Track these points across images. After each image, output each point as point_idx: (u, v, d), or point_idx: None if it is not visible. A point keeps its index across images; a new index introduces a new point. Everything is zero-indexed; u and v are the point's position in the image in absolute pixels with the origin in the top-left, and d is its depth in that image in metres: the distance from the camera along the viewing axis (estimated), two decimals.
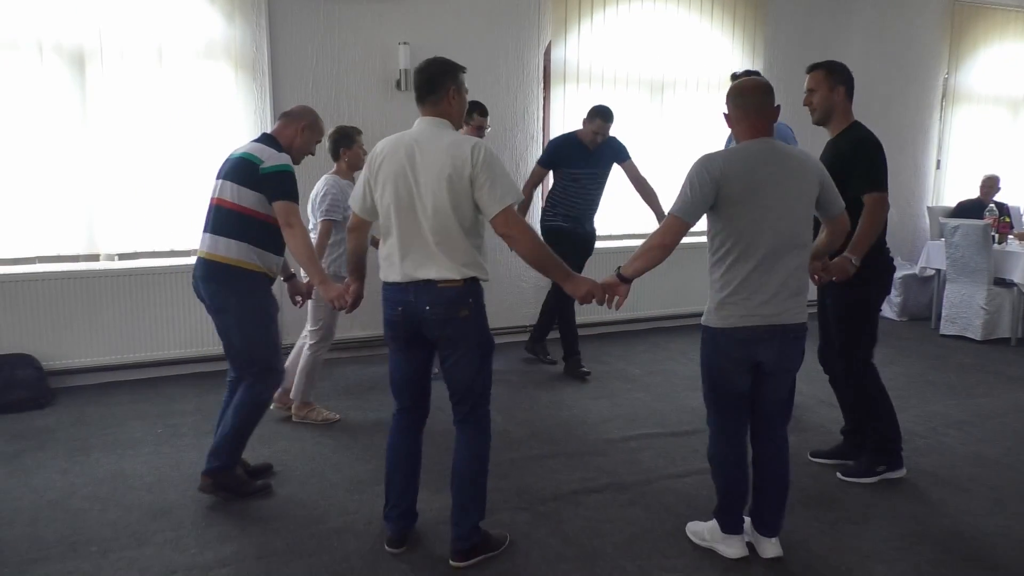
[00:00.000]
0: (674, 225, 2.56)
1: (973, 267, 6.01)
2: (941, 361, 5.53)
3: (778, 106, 2.61)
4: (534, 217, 5.29)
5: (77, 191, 4.55)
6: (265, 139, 3.18)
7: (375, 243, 2.79)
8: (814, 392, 4.40)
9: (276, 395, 3.78)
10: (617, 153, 4.96)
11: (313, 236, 3.84)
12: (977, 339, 5.99)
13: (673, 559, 2.76)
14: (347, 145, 3.98)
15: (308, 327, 4.03)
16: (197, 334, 4.81)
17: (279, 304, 3.24)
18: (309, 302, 3.82)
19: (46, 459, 3.57)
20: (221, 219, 3.03)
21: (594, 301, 2.68)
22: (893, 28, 7.10)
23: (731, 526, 2.76)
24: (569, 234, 4.86)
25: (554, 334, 5.22)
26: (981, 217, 6.28)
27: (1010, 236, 6.25)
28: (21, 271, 4.48)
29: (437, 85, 2.58)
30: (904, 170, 7.44)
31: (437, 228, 2.49)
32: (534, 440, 3.88)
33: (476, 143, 2.50)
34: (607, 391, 4.70)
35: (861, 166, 3.16)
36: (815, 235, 2.76)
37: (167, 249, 4.81)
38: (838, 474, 3.46)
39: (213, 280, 3.04)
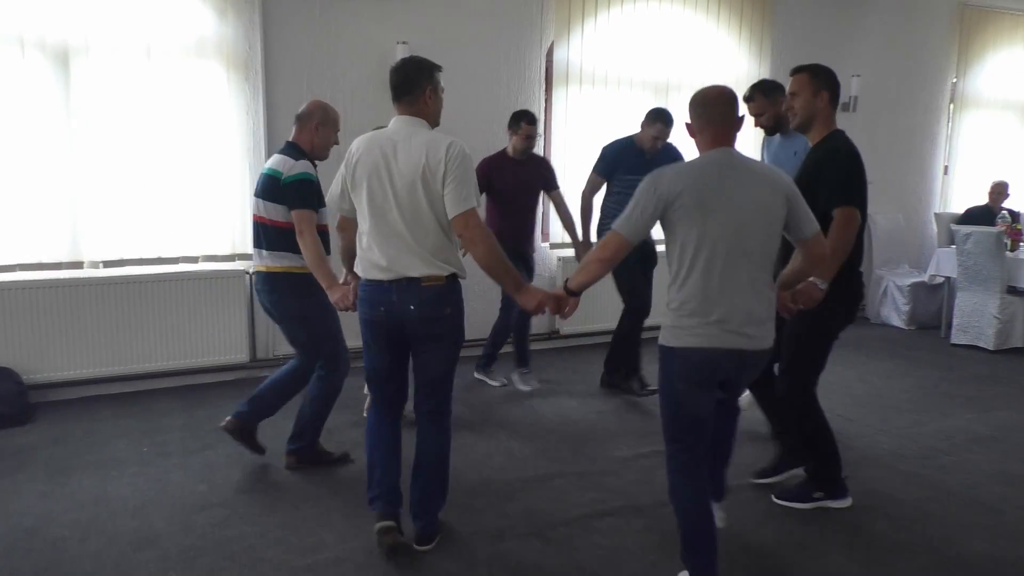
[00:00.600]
0: (613, 241, 2.42)
1: (985, 275, 5.87)
2: (954, 372, 5.38)
3: (742, 116, 2.50)
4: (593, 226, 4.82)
5: (60, 195, 4.34)
6: (287, 148, 3.33)
7: None
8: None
9: None
10: (676, 160, 4.55)
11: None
12: (990, 348, 5.86)
13: None
14: None
15: None
16: (185, 346, 4.62)
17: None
18: None
19: (24, 481, 3.35)
20: (261, 234, 3.31)
21: (547, 312, 2.68)
22: (902, 32, 7.00)
23: (702, 569, 2.47)
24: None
25: (550, 345, 5.03)
26: (990, 224, 6.16)
27: (1022, 244, 6.11)
28: (0, 279, 4.26)
29: (413, 84, 2.64)
30: (911, 175, 7.33)
31: (414, 226, 2.55)
32: (541, 458, 3.70)
33: (452, 142, 2.54)
34: (612, 405, 4.53)
35: (831, 177, 2.91)
36: (786, 261, 2.60)
37: (154, 256, 4.60)
38: (772, 496, 3.26)
39: (270, 291, 3.34)
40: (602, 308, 5.25)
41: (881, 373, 5.33)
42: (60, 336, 4.35)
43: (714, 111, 2.43)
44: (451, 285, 2.63)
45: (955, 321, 6.13)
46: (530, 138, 4.44)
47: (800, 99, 3.06)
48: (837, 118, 3.11)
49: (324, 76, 4.87)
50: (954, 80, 7.35)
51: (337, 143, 3.41)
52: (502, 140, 5.50)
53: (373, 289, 2.63)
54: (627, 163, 4.47)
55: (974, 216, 6.70)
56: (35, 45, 4.18)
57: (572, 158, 5.60)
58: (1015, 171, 7.50)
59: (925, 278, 6.66)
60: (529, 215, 4.73)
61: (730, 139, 2.45)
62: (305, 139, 3.32)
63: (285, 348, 4.17)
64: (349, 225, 2.83)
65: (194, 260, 4.70)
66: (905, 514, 3.18)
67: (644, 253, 4.56)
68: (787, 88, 3.17)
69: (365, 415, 3.76)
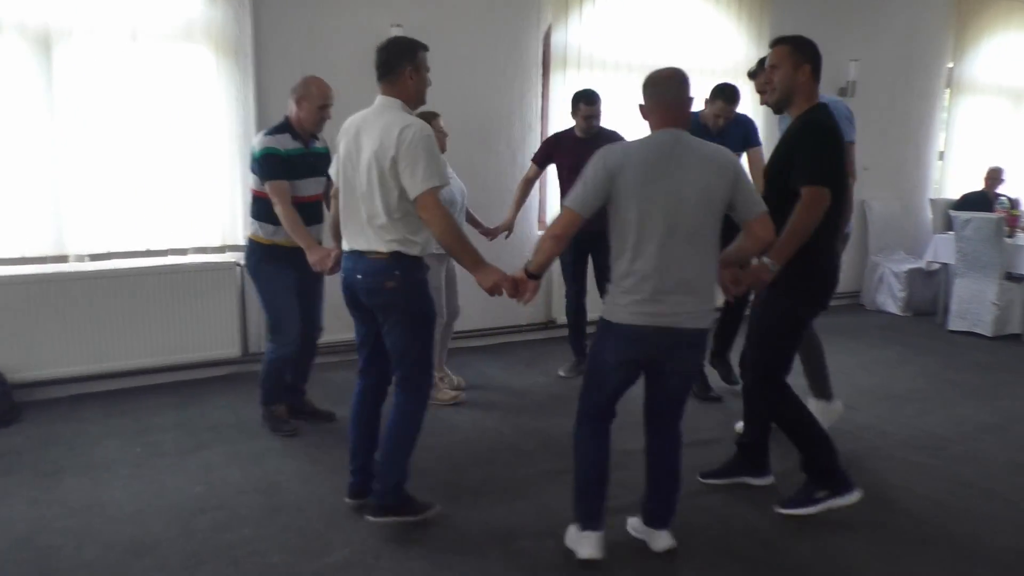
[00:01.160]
0: (566, 216, 2.50)
1: (984, 261, 5.85)
2: (955, 359, 5.36)
3: (691, 97, 2.53)
4: None
5: (43, 185, 4.17)
6: (279, 123, 3.54)
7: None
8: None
9: None
10: (747, 136, 4.40)
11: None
12: (988, 335, 5.85)
13: None
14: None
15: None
16: (175, 341, 4.47)
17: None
18: None
19: (12, 486, 3.20)
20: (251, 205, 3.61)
21: (504, 294, 2.66)
22: (898, 17, 6.93)
23: (586, 518, 2.63)
24: None
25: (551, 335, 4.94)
26: (987, 210, 6.13)
27: (1020, 230, 6.10)
28: None
29: (393, 65, 2.68)
30: (907, 161, 7.30)
31: (368, 203, 2.65)
32: (547, 453, 3.61)
33: (406, 127, 2.57)
34: None
35: (802, 153, 2.75)
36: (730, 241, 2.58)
37: (143, 249, 4.45)
38: (775, 507, 3.04)
39: (246, 256, 3.68)
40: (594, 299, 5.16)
41: (882, 361, 5.30)
42: (45, 333, 4.19)
43: (665, 92, 2.48)
44: (394, 261, 2.67)
45: (952, 307, 6.11)
46: (589, 118, 4.34)
47: (780, 72, 2.83)
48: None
49: (317, 60, 4.68)
50: (950, 65, 7.31)
51: (329, 117, 3.51)
52: (498, 124, 5.38)
53: (344, 258, 2.83)
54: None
55: (970, 202, 6.67)
56: (14, 28, 3.98)
57: None
58: (1010, 157, 7.48)
59: (922, 264, 6.63)
60: None
61: (680, 120, 2.48)
62: (293, 115, 3.50)
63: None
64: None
65: (183, 252, 4.55)
66: (924, 508, 3.13)
67: None
68: (767, 61, 2.96)
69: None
